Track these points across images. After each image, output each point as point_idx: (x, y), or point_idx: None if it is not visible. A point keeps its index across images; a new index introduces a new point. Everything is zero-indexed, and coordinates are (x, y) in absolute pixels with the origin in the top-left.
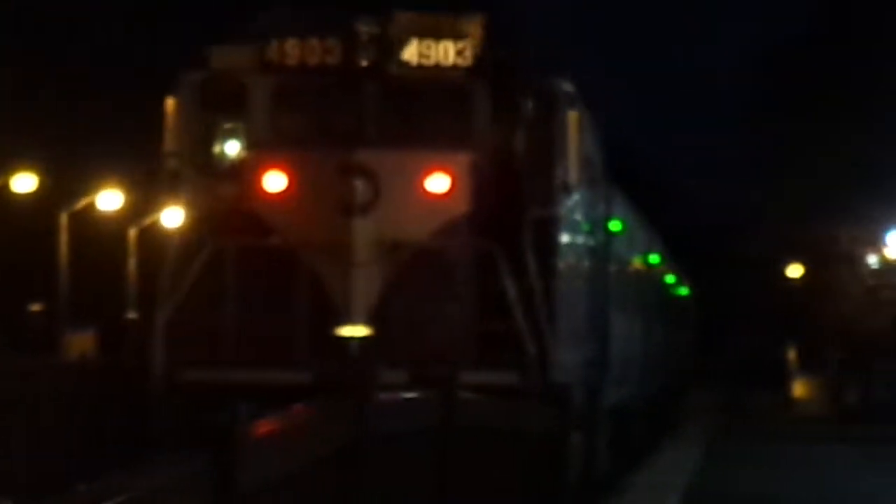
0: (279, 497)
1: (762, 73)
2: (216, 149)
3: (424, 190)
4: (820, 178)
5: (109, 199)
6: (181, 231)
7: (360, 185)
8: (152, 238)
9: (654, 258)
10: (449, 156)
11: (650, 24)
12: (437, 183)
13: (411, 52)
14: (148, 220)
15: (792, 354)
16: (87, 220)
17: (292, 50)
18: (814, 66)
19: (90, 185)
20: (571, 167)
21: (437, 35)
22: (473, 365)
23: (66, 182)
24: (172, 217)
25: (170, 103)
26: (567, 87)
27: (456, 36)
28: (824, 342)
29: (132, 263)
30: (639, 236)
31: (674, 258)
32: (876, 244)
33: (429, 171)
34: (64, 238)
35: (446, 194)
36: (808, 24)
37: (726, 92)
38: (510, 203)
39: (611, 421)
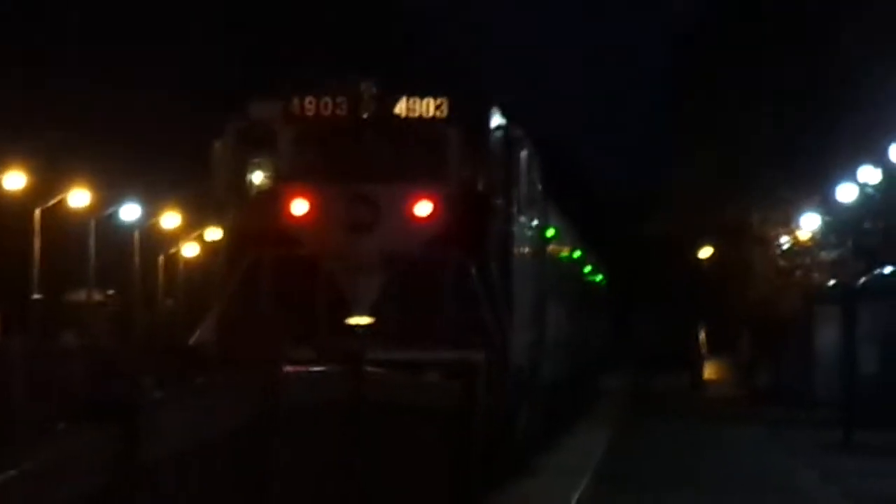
0: (185, 469)
1: (673, 55)
2: (249, 179)
3: (413, 214)
4: (731, 159)
5: (13, 180)
6: (226, 244)
7: (363, 210)
8: (57, 219)
9: (576, 254)
10: (431, 187)
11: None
12: (423, 208)
13: (401, 107)
14: (52, 201)
15: (703, 336)
16: None
17: (310, 105)
18: (725, 49)
19: None
20: (522, 194)
21: (422, 94)
22: (452, 346)
23: None
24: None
25: (216, 145)
26: (519, 132)
27: (435, 94)
28: (735, 324)
29: (37, 244)
30: (566, 237)
31: (591, 247)
32: (788, 225)
33: (416, 200)
34: None
35: (430, 217)
36: (719, 7)
37: (638, 74)
38: (478, 223)
39: (545, 392)
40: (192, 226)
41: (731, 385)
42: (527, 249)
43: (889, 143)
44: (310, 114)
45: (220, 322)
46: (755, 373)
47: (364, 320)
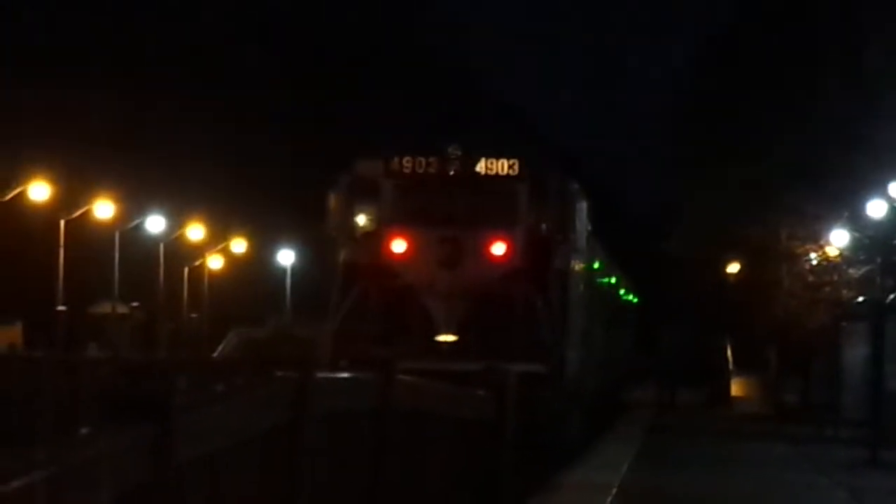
0: (217, 469)
1: (698, 70)
2: (355, 222)
3: (490, 253)
4: (760, 175)
5: (38, 191)
6: (339, 274)
7: (450, 249)
8: (82, 230)
9: (614, 279)
10: (505, 232)
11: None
12: (498, 249)
13: (481, 166)
14: (77, 212)
15: (729, 352)
16: (15, 212)
17: (407, 163)
18: (749, 62)
19: (20, 176)
20: (578, 238)
21: (497, 155)
22: (521, 360)
23: None
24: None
25: (330, 195)
26: (576, 186)
27: (508, 156)
28: (763, 340)
29: (61, 256)
30: (607, 267)
31: (625, 270)
32: (816, 242)
33: (492, 242)
34: None
35: (503, 256)
36: (740, 20)
37: (663, 92)
38: (542, 262)
39: (589, 402)
40: (217, 238)
41: (757, 402)
42: (580, 282)
43: None
44: (407, 171)
45: (335, 338)
46: (782, 390)
47: (449, 338)
